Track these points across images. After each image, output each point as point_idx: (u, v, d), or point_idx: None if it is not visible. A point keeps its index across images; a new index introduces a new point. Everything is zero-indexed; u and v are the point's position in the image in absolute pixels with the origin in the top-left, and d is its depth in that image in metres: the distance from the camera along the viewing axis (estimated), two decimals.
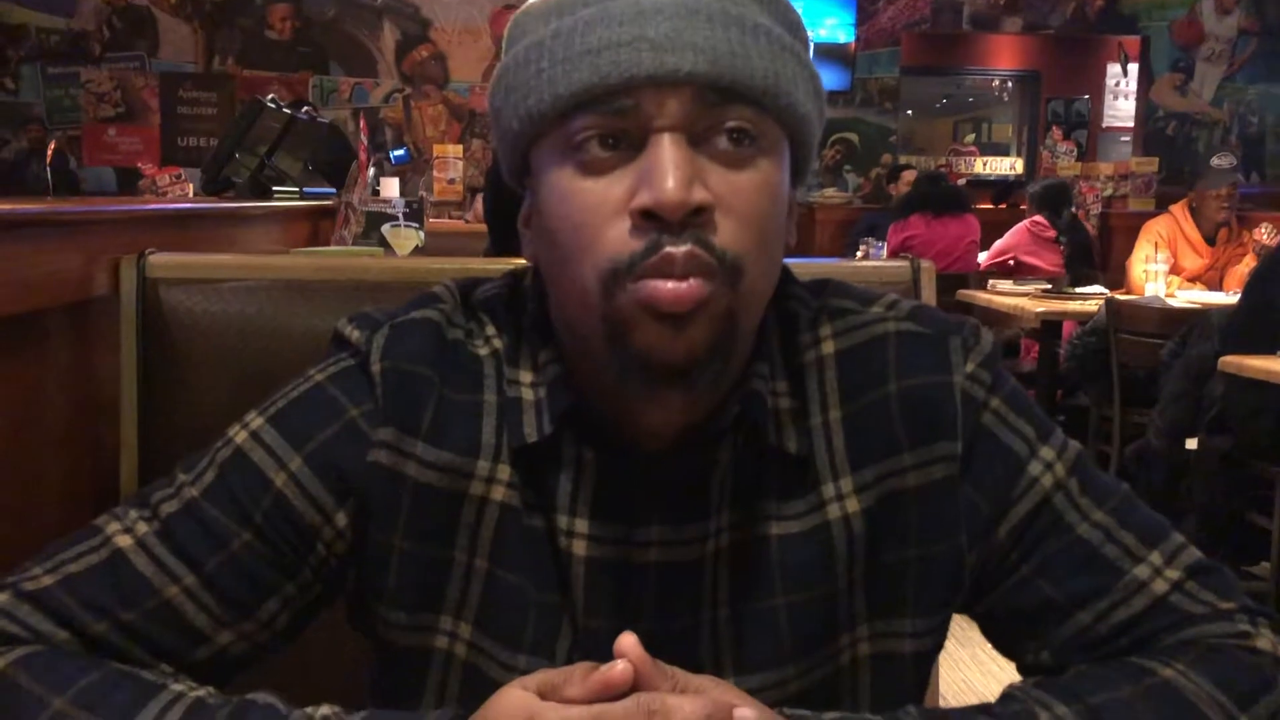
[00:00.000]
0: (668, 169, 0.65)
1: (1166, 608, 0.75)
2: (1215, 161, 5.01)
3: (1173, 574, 0.75)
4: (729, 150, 0.68)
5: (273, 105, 2.79)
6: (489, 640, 0.76)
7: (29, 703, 0.67)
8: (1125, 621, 0.75)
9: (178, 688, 0.69)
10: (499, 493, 0.75)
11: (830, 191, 7.40)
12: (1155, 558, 0.76)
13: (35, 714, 0.67)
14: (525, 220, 0.77)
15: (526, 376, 0.76)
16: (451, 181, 5.30)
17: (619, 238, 0.67)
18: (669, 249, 0.65)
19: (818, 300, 0.81)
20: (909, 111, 8.29)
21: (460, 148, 5.87)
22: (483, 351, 0.78)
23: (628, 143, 0.67)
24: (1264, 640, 0.73)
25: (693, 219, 0.66)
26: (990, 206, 6.78)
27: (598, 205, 0.67)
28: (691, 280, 0.66)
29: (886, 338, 0.78)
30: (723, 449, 0.75)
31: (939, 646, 0.81)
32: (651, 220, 0.66)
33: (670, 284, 0.65)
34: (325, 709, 0.68)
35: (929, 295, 1.23)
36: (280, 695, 0.70)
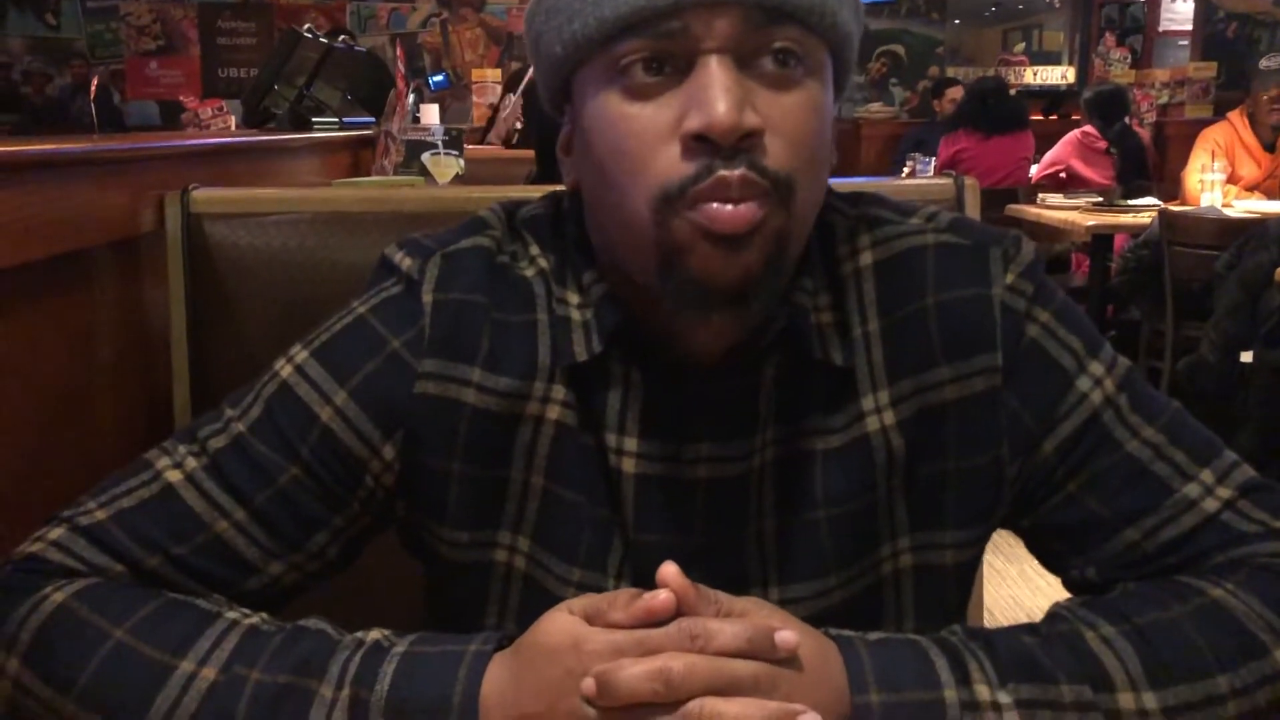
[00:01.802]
0: (719, 92, 0.64)
1: (1217, 526, 0.74)
2: (1265, 63, 4.86)
3: (1224, 492, 0.75)
4: (775, 71, 0.67)
5: (309, 35, 2.78)
6: (545, 553, 0.77)
7: (90, 634, 0.69)
8: (1174, 539, 0.74)
9: (232, 615, 0.71)
10: (554, 411, 0.76)
11: (876, 106, 7.26)
12: (1206, 475, 0.75)
13: (97, 645, 0.69)
14: (565, 147, 0.77)
15: (574, 297, 0.76)
16: (491, 105, 5.25)
17: (670, 162, 0.66)
18: (723, 172, 0.65)
19: (854, 210, 0.80)
20: (956, 20, 8.06)
21: (499, 72, 5.82)
22: (529, 272, 0.78)
23: (674, 65, 0.67)
24: None
25: (744, 142, 0.65)
26: (1040, 118, 6.62)
27: (646, 130, 0.67)
28: (746, 204, 0.66)
29: (925, 250, 0.78)
30: (768, 364, 0.75)
31: (979, 558, 0.82)
32: (703, 143, 0.65)
33: (729, 207, 0.65)
34: (376, 633, 0.70)
35: (973, 213, 1.21)
36: (332, 620, 0.72)
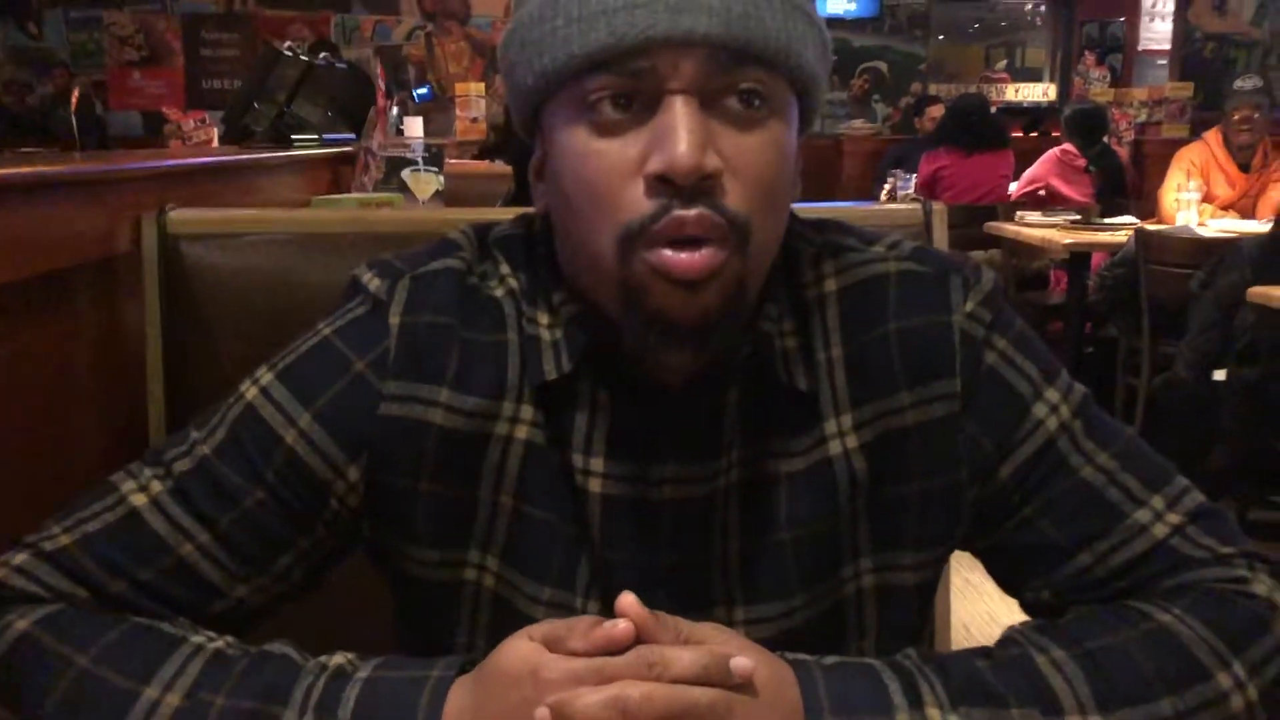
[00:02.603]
0: (682, 134, 0.66)
1: (1166, 551, 0.76)
2: (1238, 83, 4.91)
3: (1174, 518, 0.76)
4: (740, 111, 0.68)
5: (289, 53, 2.78)
6: (515, 573, 0.78)
7: (54, 662, 0.69)
8: (1125, 564, 0.76)
9: (197, 640, 0.72)
10: (523, 431, 0.77)
11: (858, 123, 7.30)
12: (1157, 502, 0.77)
13: (61, 672, 0.69)
14: (537, 172, 0.78)
15: (544, 317, 0.77)
16: (475, 120, 5.27)
17: (633, 200, 0.68)
18: (679, 211, 0.66)
19: (820, 238, 0.82)
20: (940, 37, 8.14)
21: (483, 85, 5.84)
22: (499, 292, 0.79)
23: (640, 103, 0.68)
24: (1261, 585, 0.74)
25: (705, 183, 0.67)
26: (1021, 135, 6.67)
27: (612, 167, 0.68)
28: (703, 250, 0.67)
29: (887, 277, 0.79)
30: (733, 388, 0.77)
31: (939, 577, 0.83)
32: (664, 183, 0.67)
33: (684, 255, 0.67)
34: (340, 657, 0.70)
35: (941, 236, 1.23)
36: (296, 644, 0.72)
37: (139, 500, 0.76)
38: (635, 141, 0.68)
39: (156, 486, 0.76)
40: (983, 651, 0.73)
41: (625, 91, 0.68)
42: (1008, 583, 0.82)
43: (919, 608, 0.82)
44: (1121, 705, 0.68)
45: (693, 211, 0.66)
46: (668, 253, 0.67)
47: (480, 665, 0.68)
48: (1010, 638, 0.74)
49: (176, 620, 0.74)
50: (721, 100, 0.68)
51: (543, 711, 0.63)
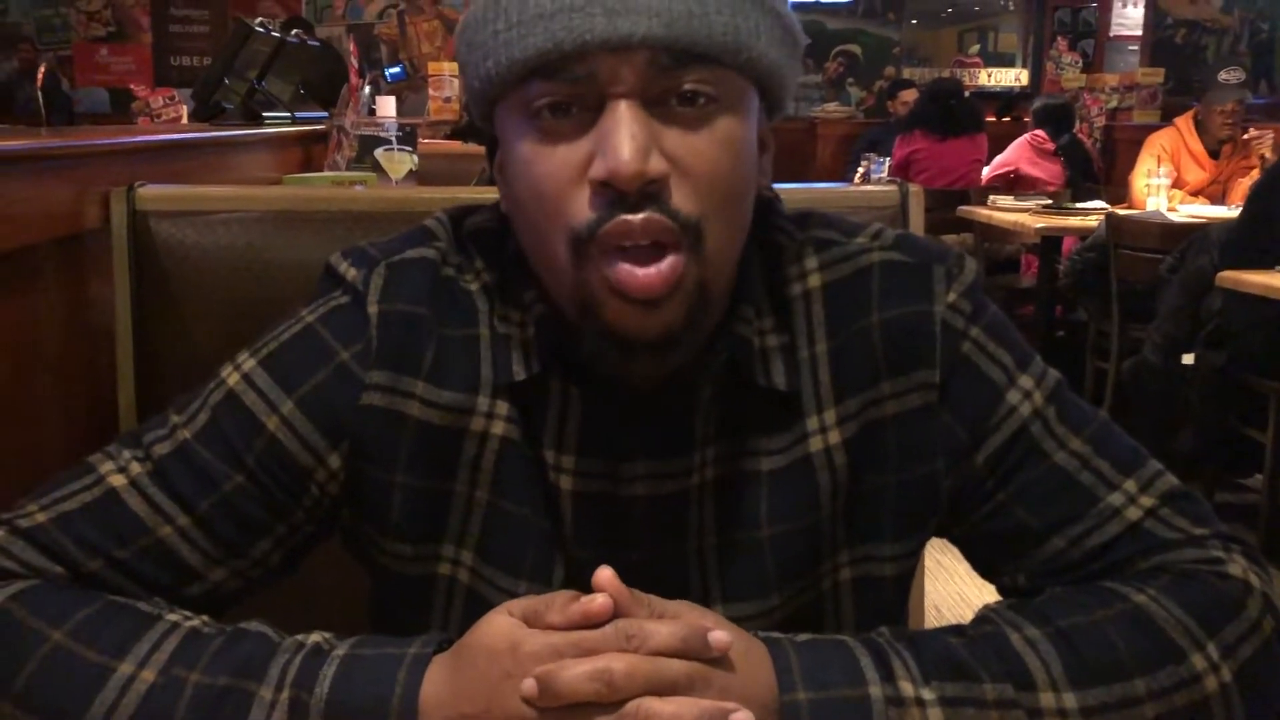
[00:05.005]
0: (623, 139, 0.65)
1: (1140, 533, 0.76)
2: (1223, 76, 4.93)
3: (1147, 501, 0.77)
4: (686, 112, 0.67)
5: (261, 29, 2.75)
6: (489, 568, 0.78)
7: (28, 636, 0.69)
8: (1099, 547, 0.76)
9: (172, 618, 0.71)
10: (499, 427, 0.77)
11: (832, 106, 7.30)
12: (1130, 485, 0.77)
13: (35, 647, 0.68)
14: (500, 168, 0.77)
15: (515, 315, 0.77)
16: (448, 100, 5.22)
17: (579, 207, 0.67)
18: (624, 216, 0.66)
19: (803, 232, 0.81)
20: (913, 21, 8.15)
21: (456, 65, 5.79)
22: (473, 286, 0.79)
23: (583, 107, 0.67)
24: (1235, 566, 0.74)
25: (650, 187, 0.66)
26: (994, 119, 6.70)
27: (558, 173, 0.68)
28: (661, 264, 0.66)
29: (871, 269, 0.79)
30: (705, 387, 0.76)
31: (915, 568, 0.84)
32: (609, 189, 0.66)
33: (640, 270, 0.66)
34: (316, 636, 0.70)
35: (917, 219, 1.23)
36: (273, 624, 0.72)
37: (118, 481, 0.75)
38: (580, 147, 0.67)
39: (136, 468, 0.76)
40: (956, 629, 0.73)
41: (567, 97, 0.67)
42: (984, 568, 0.82)
43: (896, 599, 0.82)
44: (1095, 683, 0.69)
45: (639, 216, 0.66)
46: (625, 267, 0.66)
47: (459, 641, 0.68)
48: (984, 616, 0.74)
49: (152, 599, 0.73)
50: (667, 101, 0.67)
51: (529, 684, 0.63)
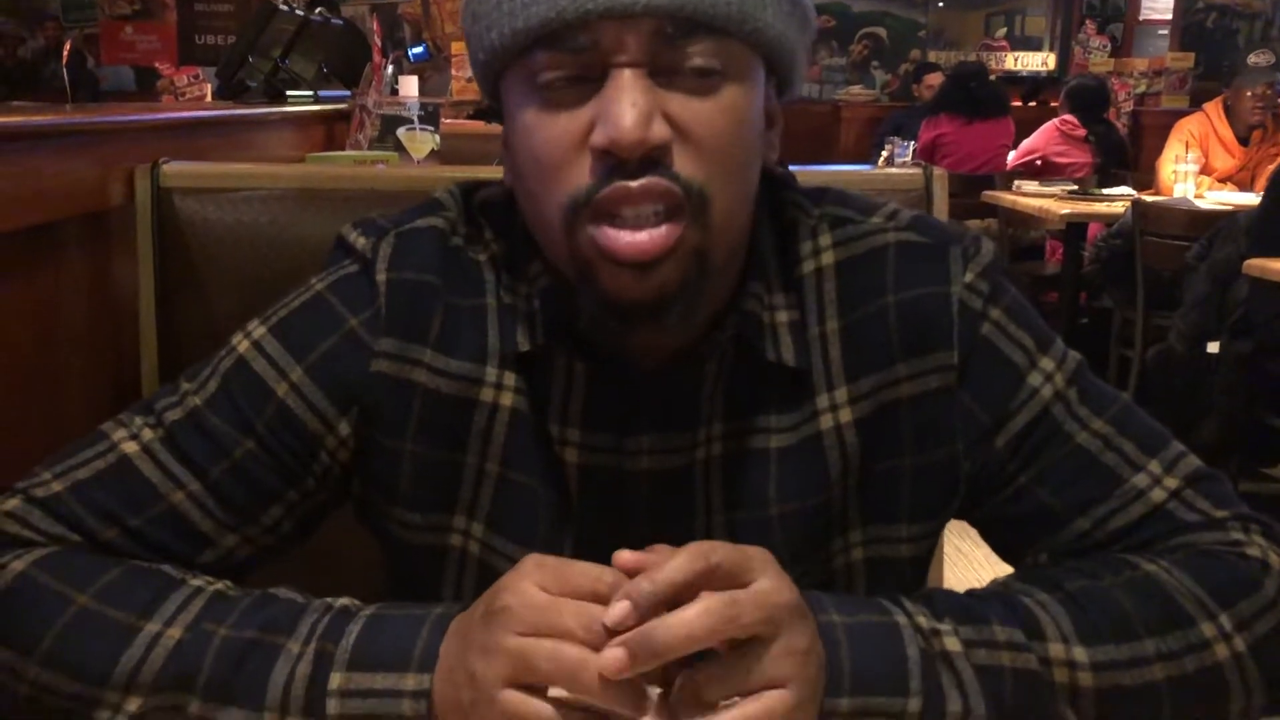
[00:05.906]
0: (625, 107, 0.65)
1: (1162, 515, 0.76)
2: (1252, 59, 4.88)
3: (1171, 482, 0.76)
4: (693, 81, 0.67)
5: (285, 8, 2.75)
6: (500, 539, 0.78)
7: (53, 599, 0.69)
8: (1122, 528, 0.76)
9: (197, 582, 0.72)
10: (508, 398, 0.77)
11: (856, 89, 7.26)
12: (1154, 466, 0.77)
13: (60, 609, 0.69)
14: (506, 142, 0.77)
15: (521, 287, 0.77)
16: (470, 80, 5.22)
17: (580, 173, 0.67)
18: (621, 182, 0.65)
19: (818, 208, 0.81)
20: (940, 4, 8.06)
21: None
22: (482, 256, 0.79)
23: (587, 77, 0.67)
24: (1254, 548, 0.74)
25: (653, 153, 0.65)
26: (1019, 104, 6.64)
27: (560, 140, 0.67)
28: (656, 230, 0.66)
29: (886, 249, 0.79)
30: (711, 363, 0.76)
31: (934, 549, 0.83)
32: (610, 157, 0.66)
33: (626, 234, 0.66)
34: (344, 600, 0.70)
35: (941, 203, 1.22)
36: (299, 589, 0.72)
37: (130, 448, 0.76)
38: (582, 115, 0.67)
39: (148, 434, 0.76)
40: (968, 592, 0.73)
41: (571, 66, 0.67)
42: (1006, 550, 0.82)
43: (913, 581, 0.82)
44: (1104, 641, 0.69)
45: (638, 182, 0.65)
46: (610, 231, 0.66)
47: (479, 602, 0.65)
48: (994, 584, 0.75)
49: (174, 565, 0.74)
50: (673, 71, 0.67)
51: (617, 653, 0.58)
